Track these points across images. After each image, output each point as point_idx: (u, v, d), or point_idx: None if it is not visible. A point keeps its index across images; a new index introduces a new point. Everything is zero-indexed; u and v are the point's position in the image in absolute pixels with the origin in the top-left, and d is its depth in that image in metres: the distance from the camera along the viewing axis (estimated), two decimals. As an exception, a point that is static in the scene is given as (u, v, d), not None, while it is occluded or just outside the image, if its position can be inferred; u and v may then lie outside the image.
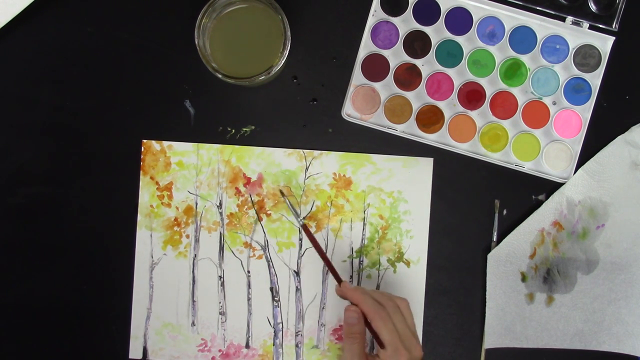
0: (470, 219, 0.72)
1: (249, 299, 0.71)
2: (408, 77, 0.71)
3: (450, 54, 0.71)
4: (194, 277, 0.71)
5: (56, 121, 0.71)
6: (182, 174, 0.71)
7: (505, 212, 0.72)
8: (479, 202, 0.72)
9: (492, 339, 0.71)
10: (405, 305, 0.61)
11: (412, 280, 0.71)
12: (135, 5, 0.71)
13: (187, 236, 0.71)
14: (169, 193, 0.71)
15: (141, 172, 0.71)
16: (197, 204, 0.71)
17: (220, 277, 0.71)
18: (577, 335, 0.71)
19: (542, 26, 0.71)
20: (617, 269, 0.71)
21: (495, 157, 0.71)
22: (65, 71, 0.71)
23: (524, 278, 0.71)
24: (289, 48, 0.64)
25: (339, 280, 0.64)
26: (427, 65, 0.71)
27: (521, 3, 0.70)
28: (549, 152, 0.71)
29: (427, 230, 0.71)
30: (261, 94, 0.72)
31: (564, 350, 0.72)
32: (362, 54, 0.71)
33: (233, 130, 0.71)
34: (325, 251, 0.71)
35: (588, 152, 0.71)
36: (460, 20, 0.71)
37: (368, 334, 0.60)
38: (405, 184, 0.71)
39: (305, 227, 0.67)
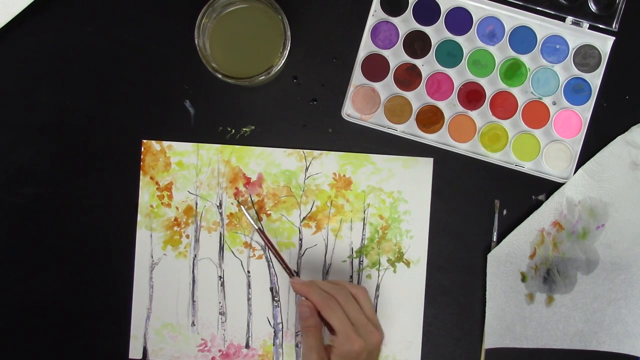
0: (470, 219, 0.72)
1: (249, 299, 0.71)
2: (408, 77, 0.71)
3: (450, 54, 0.71)
4: (194, 277, 0.71)
5: (56, 121, 0.71)
6: (182, 174, 0.71)
7: (505, 212, 0.72)
8: (479, 202, 0.72)
9: (492, 339, 0.71)
10: (362, 293, 0.62)
11: (412, 280, 0.71)
12: (135, 5, 0.71)
13: (187, 236, 0.71)
14: (169, 193, 0.71)
15: (141, 172, 0.71)
16: (197, 204, 0.71)
17: (220, 277, 0.71)
18: (577, 335, 0.71)
19: (542, 26, 0.71)
20: (617, 269, 0.71)
21: (495, 157, 0.71)
22: (65, 71, 0.71)
23: (524, 278, 0.71)
24: (289, 48, 0.64)
25: (290, 275, 0.67)
26: (427, 65, 0.71)
27: (521, 3, 0.70)
28: (549, 152, 0.71)
29: (427, 230, 0.71)
30: (261, 94, 0.72)
31: (564, 350, 0.72)
32: (362, 54, 0.71)
33: (233, 130, 0.71)
34: (325, 251, 0.71)
35: (588, 152, 0.71)
36: (460, 20, 0.71)
37: None
38: (405, 184, 0.71)
39: (260, 231, 0.69)
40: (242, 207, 0.70)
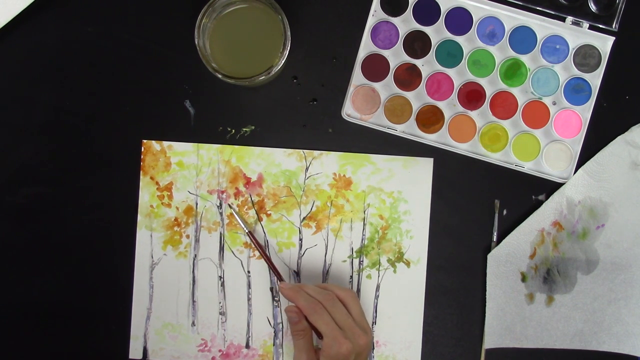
0: (470, 219, 0.72)
1: (249, 299, 0.71)
2: (408, 77, 0.71)
3: (450, 54, 0.71)
4: (194, 277, 0.71)
5: (56, 121, 0.71)
6: (182, 174, 0.71)
7: (505, 212, 0.72)
8: (479, 202, 0.72)
9: (492, 339, 0.71)
10: (350, 296, 0.63)
11: (412, 281, 0.71)
12: (135, 5, 0.71)
13: (187, 236, 0.71)
14: (169, 193, 0.71)
15: (141, 172, 0.71)
16: (197, 204, 0.71)
17: (220, 277, 0.71)
18: (577, 335, 0.71)
19: (542, 26, 0.71)
20: (617, 269, 0.71)
21: (495, 157, 0.71)
22: (65, 71, 0.71)
23: (524, 278, 0.71)
24: (289, 48, 0.64)
25: (279, 279, 0.68)
26: (427, 65, 0.71)
27: (521, 3, 0.70)
28: (549, 152, 0.71)
29: (427, 230, 0.71)
30: (261, 94, 0.72)
31: (564, 350, 0.72)
32: (362, 54, 0.71)
33: (233, 130, 0.71)
34: (325, 251, 0.71)
35: (588, 152, 0.71)
36: (460, 20, 0.71)
37: None
38: (405, 184, 0.71)
39: (250, 234, 0.69)
40: (234, 211, 0.70)
